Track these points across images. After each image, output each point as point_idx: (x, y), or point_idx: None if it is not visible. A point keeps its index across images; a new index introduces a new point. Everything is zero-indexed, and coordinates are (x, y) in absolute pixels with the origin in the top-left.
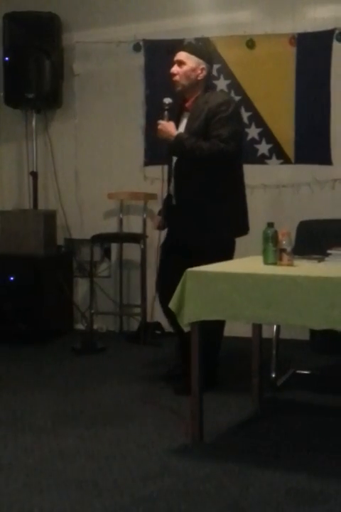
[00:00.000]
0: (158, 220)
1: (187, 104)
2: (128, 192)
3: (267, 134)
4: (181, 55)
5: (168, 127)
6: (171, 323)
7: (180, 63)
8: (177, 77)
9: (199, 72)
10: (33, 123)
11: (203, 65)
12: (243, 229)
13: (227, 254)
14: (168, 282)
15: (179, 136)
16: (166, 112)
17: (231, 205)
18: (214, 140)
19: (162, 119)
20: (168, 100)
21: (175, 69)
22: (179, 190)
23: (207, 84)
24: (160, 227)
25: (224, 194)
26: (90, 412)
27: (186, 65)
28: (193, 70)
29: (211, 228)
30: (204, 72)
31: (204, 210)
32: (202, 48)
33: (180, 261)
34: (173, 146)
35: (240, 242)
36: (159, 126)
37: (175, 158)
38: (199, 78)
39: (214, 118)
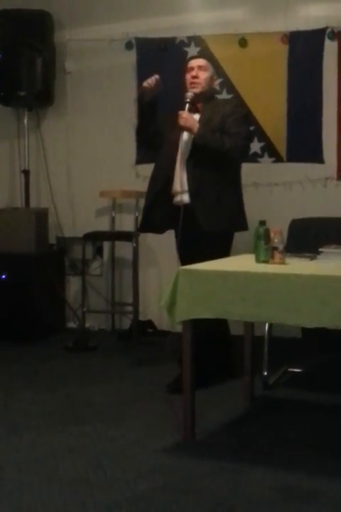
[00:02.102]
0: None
1: (198, 106)
2: (120, 190)
3: (259, 133)
4: (202, 62)
5: (192, 118)
6: None
7: (202, 68)
8: (199, 80)
9: (214, 81)
10: (25, 121)
11: (216, 76)
12: (246, 224)
13: (230, 246)
14: None
15: (203, 129)
16: (187, 105)
17: (240, 199)
18: (236, 136)
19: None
20: (190, 94)
21: (197, 72)
22: (194, 182)
23: (215, 93)
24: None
25: (234, 189)
26: (82, 410)
27: (208, 71)
28: (212, 78)
29: (229, 218)
30: (216, 82)
31: (220, 201)
32: None
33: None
34: (201, 135)
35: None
36: (184, 115)
37: (185, 154)
38: (213, 86)
39: (231, 116)
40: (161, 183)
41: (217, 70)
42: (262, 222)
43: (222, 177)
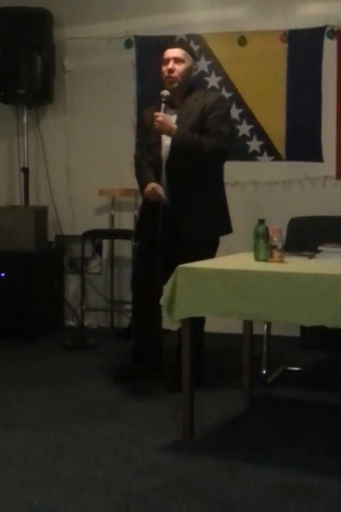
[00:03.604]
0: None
1: (175, 102)
2: (120, 188)
3: (258, 131)
4: (179, 53)
5: (169, 120)
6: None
7: (178, 61)
8: (175, 74)
9: (193, 71)
10: (24, 119)
11: (195, 65)
12: (230, 227)
13: (215, 250)
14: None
15: (182, 130)
16: (163, 105)
17: (223, 201)
18: (217, 137)
19: (159, 111)
20: (166, 92)
21: (173, 66)
22: (174, 186)
23: (193, 84)
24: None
25: (216, 190)
26: (81, 409)
27: (184, 63)
28: (190, 68)
29: (209, 223)
30: (196, 72)
31: (201, 205)
32: (192, 47)
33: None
34: (178, 139)
35: (231, 238)
36: (159, 118)
37: (166, 155)
38: (192, 77)
39: (211, 114)
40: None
41: (217, 68)
42: (261, 221)
43: (203, 179)
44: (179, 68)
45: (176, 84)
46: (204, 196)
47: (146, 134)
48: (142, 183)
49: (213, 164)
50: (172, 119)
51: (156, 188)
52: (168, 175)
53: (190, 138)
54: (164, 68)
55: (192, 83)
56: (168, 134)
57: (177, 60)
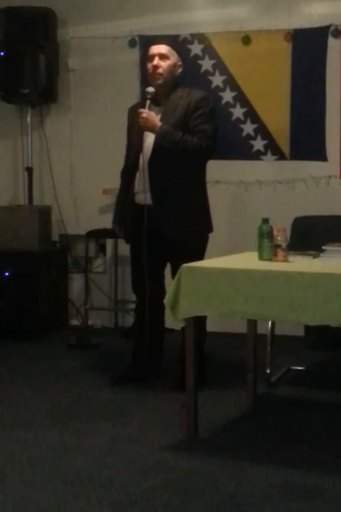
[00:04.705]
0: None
1: (160, 98)
2: None
3: (262, 130)
4: (164, 49)
5: (153, 117)
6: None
7: (163, 57)
8: (160, 70)
9: (178, 68)
10: (28, 118)
11: (180, 62)
12: (211, 226)
13: (203, 249)
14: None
15: (165, 127)
16: (148, 101)
17: (204, 200)
18: (200, 135)
19: (144, 107)
20: (151, 89)
21: (158, 62)
22: (156, 184)
23: (178, 80)
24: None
25: (198, 189)
26: (85, 408)
27: (169, 59)
28: (175, 65)
29: (196, 221)
30: (181, 69)
31: (182, 204)
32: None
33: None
34: (162, 136)
35: (235, 237)
36: (144, 115)
37: (148, 153)
38: (177, 74)
39: (196, 112)
40: (126, 188)
41: (220, 67)
42: (265, 220)
43: (185, 177)
44: (164, 65)
45: (161, 81)
46: (186, 195)
47: (129, 134)
48: (114, 211)
49: (196, 163)
50: (156, 116)
51: (148, 115)
52: (150, 173)
53: (174, 135)
54: (149, 65)
55: (176, 80)
56: (152, 130)
57: (162, 57)
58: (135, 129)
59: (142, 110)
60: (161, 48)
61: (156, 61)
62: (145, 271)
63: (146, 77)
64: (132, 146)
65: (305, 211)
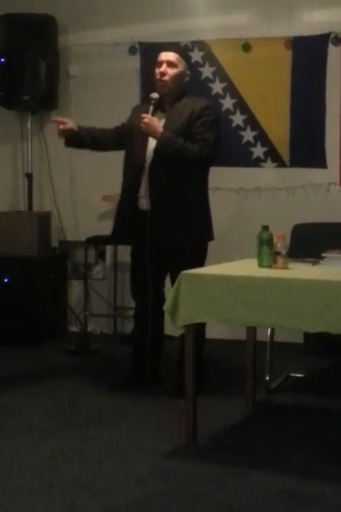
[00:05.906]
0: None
1: (165, 105)
2: None
3: (262, 137)
4: (173, 57)
5: (155, 122)
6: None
7: (171, 64)
8: (166, 78)
9: (185, 77)
10: (28, 125)
11: (188, 71)
12: (212, 234)
13: (203, 257)
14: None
15: (167, 134)
16: (152, 107)
17: (206, 208)
18: (201, 143)
19: (147, 113)
20: (155, 95)
21: (165, 69)
22: (155, 190)
23: (184, 89)
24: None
25: (199, 197)
26: (84, 414)
27: (177, 67)
28: (182, 73)
29: (196, 230)
30: (188, 78)
31: (185, 211)
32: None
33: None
34: (162, 142)
35: (234, 244)
36: (146, 120)
37: (149, 159)
38: (183, 83)
39: (199, 120)
40: (129, 193)
41: (221, 74)
42: (265, 227)
43: (186, 185)
44: (171, 72)
45: (167, 89)
46: (186, 202)
47: (130, 127)
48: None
49: (196, 170)
50: (159, 122)
51: (150, 120)
52: (150, 179)
53: (174, 142)
54: (156, 70)
55: (183, 89)
56: (153, 136)
57: (170, 64)
58: (139, 132)
59: (144, 115)
60: (170, 56)
61: (163, 68)
62: (148, 277)
63: (152, 82)
64: (136, 150)
65: (304, 218)
